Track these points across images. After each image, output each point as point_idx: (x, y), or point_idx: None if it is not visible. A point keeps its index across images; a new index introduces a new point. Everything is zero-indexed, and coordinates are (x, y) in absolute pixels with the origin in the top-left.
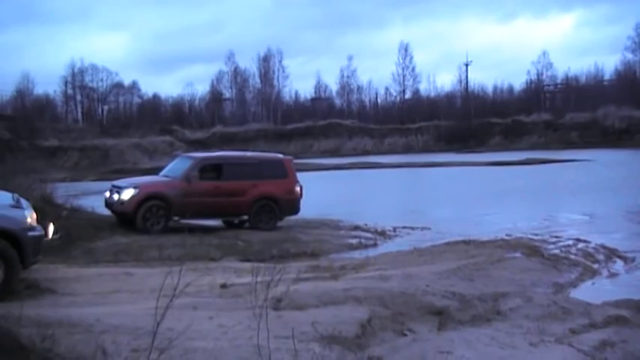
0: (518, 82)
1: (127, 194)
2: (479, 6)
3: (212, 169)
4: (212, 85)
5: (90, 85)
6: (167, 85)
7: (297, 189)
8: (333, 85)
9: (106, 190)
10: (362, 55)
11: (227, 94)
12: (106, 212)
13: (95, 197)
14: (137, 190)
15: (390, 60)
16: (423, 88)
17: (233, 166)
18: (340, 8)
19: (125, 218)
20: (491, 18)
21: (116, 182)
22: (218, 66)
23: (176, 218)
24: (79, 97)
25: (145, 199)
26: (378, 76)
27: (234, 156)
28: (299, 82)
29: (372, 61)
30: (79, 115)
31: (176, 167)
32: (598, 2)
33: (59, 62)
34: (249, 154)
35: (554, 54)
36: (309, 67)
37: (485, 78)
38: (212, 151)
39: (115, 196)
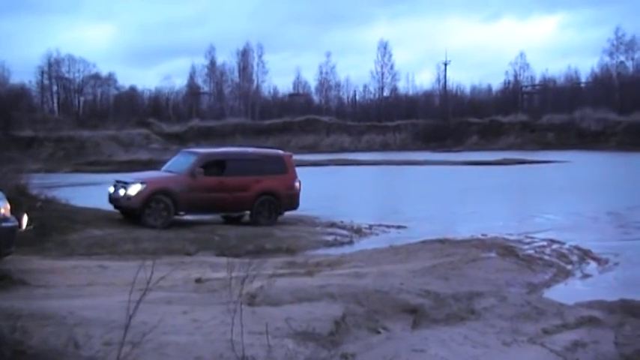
0: (498, 83)
1: (134, 189)
2: (464, 6)
3: (216, 165)
4: (190, 79)
5: (66, 75)
6: (150, 78)
7: (297, 184)
8: (312, 81)
9: (108, 185)
10: (346, 51)
11: (205, 88)
12: (84, 204)
13: (70, 189)
14: (144, 186)
15: (373, 58)
16: (402, 86)
17: (236, 162)
18: (328, 4)
19: (131, 213)
20: (475, 18)
21: (120, 177)
22: (201, 60)
23: (181, 213)
24: (55, 88)
25: (151, 195)
26: (360, 74)
27: (236, 152)
28: (283, 77)
29: (355, 57)
30: (55, 105)
31: (179, 163)
32: (581, 5)
33: (39, 52)
34: (250, 150)
35: (536, 55)
36: (293, 62)
37: (466, 78)
38: (215, 146)
39: (121, 192)
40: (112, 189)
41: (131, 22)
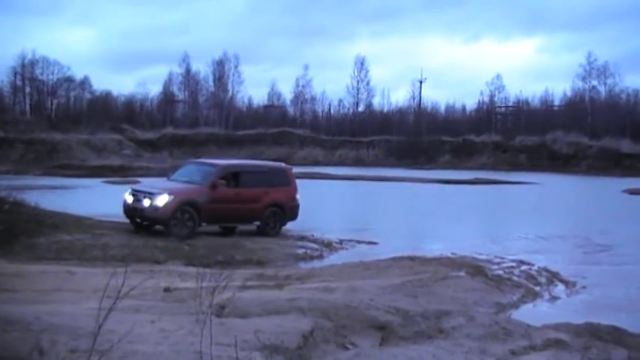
0: (472, 102)
1: (162, 200)
2: (445, 26)
3: (232, 177)
4: (165, 86)
5: (40, 77)
6: (128, 84)
7: (298, 196)
8: (288, 93)
9: (125, 196)
10: (325, 66)
11: (180, 96)
12: (54, 208)
13: (40, 192)
14: (172, 197)
15: (350, 73)
16: (378, 102)
17: (249, 174)
18: (311, 19)
19: (157, 224)
20: (456, 39)
21: (137, 187)
22: (181, 68)
23: (203, 224)
24: (27, 89)
25: (179, 205)
26: (338, 88)
27: (249, 164)
28: (260, 88)
29: (333, 72)
30: (28, 107)
31: (194, 173)
32: (559, 29)
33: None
34: (259, 162)
35: (513, 77)
36: (272, 74)
37: (443, 97)
38: (226, 158)
39: (146, 202)
40: (130, 199)
41: (113, 28)
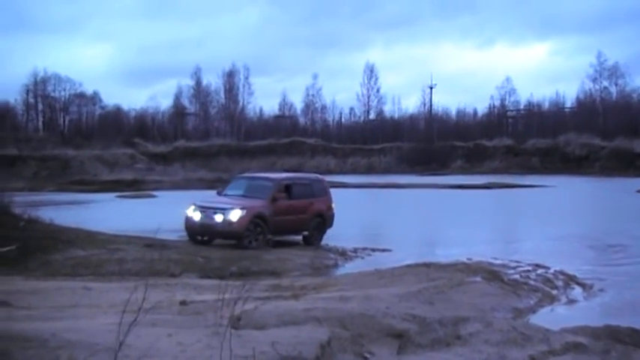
0: (483, 107)
1: (235, 215)
2: (459, 32)
3: (285, 189)
4: (175, 99)
5: (52, 94)
6: (142, 99)
7: (333, 205)
8: (299, 103)
9: (189, 210)
10: (338, 75)
11: (191, 108)
12: (68, 224)
13: (54, 208)
14: (244, 211)
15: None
16: (389, 109)
17: (298, 186)
18: (325, 29)
19: (230, 238)
20: (469, 44)
21: (203, 204)
22: (192, 81)
23: (269, 236)
24: (40, 107)
25: (252, 219)
26: (351, 97)
27: (297, 177)
28: (273, 99)
29: (346, 81)
30: (40, 124)
31: (247, 188)
32: (571, 32)
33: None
34: (302, 174)
35: (526, 81)
36: (286, 85)
37: (456, 102)
38: (278, 171)
39: (218, 218)
40: (197, 215)
41: (130, 43)
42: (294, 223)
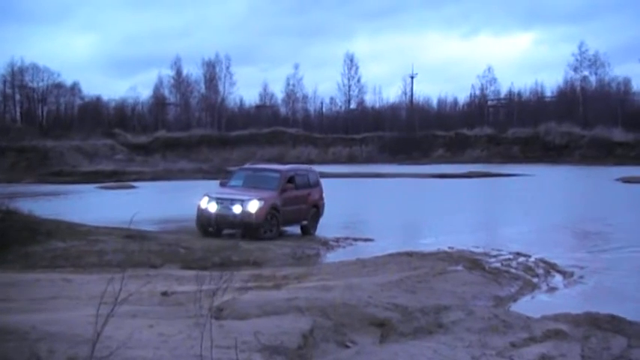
0: (464, 96)
1: (253, 206)
2: (444, 22)
3: (290, 181)
4: (156, 89)
5: (30, 84)
6: (122, 89)
7: (324, 195)
8: (279, 93)
9: (201, 201)
10: (322, 65)
11: (171, 98)
12: (47, 215)
13: (33, 200)
14: (262, 202)
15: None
16: (370, 99)
17: (299, 177)
18: (312, 19)
19: (248, 229)
20: (454, 34)
21: (218, 195)
22: (172, 71)
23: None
24: (17, 97)
25: (269, 210)
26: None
27: (297, 168)
28: (257, 89)
29: (330, 71)
30: (18, 115)
31: (255, 179)
32: (556, 22)
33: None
34: (300, 165)
35: (509, 70)
36: (270, 74)
37: (439, 92)
38: (282, 163)
39: (236, 209)
40: (213, 206)
41: (115, 33)
42: (298, 214)
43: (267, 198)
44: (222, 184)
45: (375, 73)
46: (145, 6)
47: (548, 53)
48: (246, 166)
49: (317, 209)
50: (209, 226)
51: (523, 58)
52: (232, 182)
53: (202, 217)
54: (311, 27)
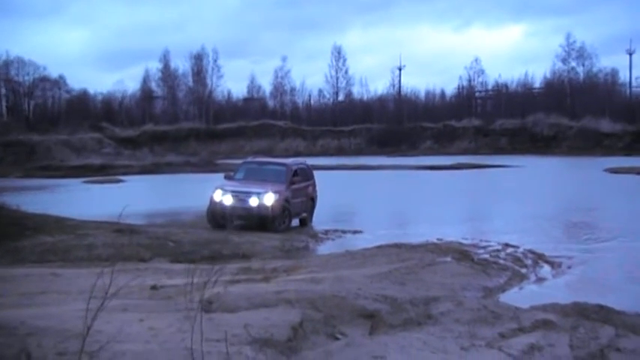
0: (452, 88)
1: (270, 199)
2: (436, 15)
3: (295, 174)
4: (143, 83)
5: (15, 78)
6: (109, 82)
7: (317, 188)
8: (267, 85)
9: (213, 194)
10: (313, 58)
11: (159, 92)
12: (35, 210)
13: (20, 194)
14: (277, 195)
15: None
16: (358, 91)
17: (300, 171)
18: (304, 12)
19: (264, 221)
20: (446, 27)
21: (233, 188)
22: (160, 64)
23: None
24: (3, 91)
25: (284, 203)
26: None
27: (298, 162)
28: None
29: (321, 64)
30: (4, 109)
31: (262, 173)
32: (547, 14)
33: None
34: (299, 159)
35: (500, 63)
36: (259, 67)
37: (428, 84)
38: (271, 156)
39: (253, 201)
40: (227, 199)
41: (108, 27)
42: (301, 206)
43: (281, 191)
44: (227, 178)
45: (367, 66)
46: (138, 0)
47: (538, 45)
48: (250, 159)
49: (313, 201)
50: (222, 218)
51: (513, 50)
52: (238, 175)
53: (216, 209)
54: (304, 20)
